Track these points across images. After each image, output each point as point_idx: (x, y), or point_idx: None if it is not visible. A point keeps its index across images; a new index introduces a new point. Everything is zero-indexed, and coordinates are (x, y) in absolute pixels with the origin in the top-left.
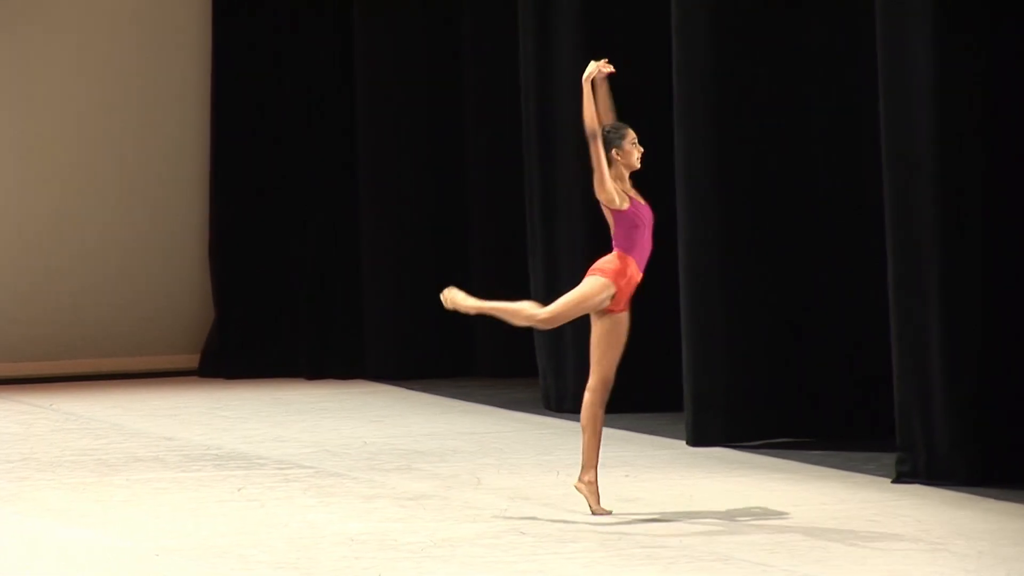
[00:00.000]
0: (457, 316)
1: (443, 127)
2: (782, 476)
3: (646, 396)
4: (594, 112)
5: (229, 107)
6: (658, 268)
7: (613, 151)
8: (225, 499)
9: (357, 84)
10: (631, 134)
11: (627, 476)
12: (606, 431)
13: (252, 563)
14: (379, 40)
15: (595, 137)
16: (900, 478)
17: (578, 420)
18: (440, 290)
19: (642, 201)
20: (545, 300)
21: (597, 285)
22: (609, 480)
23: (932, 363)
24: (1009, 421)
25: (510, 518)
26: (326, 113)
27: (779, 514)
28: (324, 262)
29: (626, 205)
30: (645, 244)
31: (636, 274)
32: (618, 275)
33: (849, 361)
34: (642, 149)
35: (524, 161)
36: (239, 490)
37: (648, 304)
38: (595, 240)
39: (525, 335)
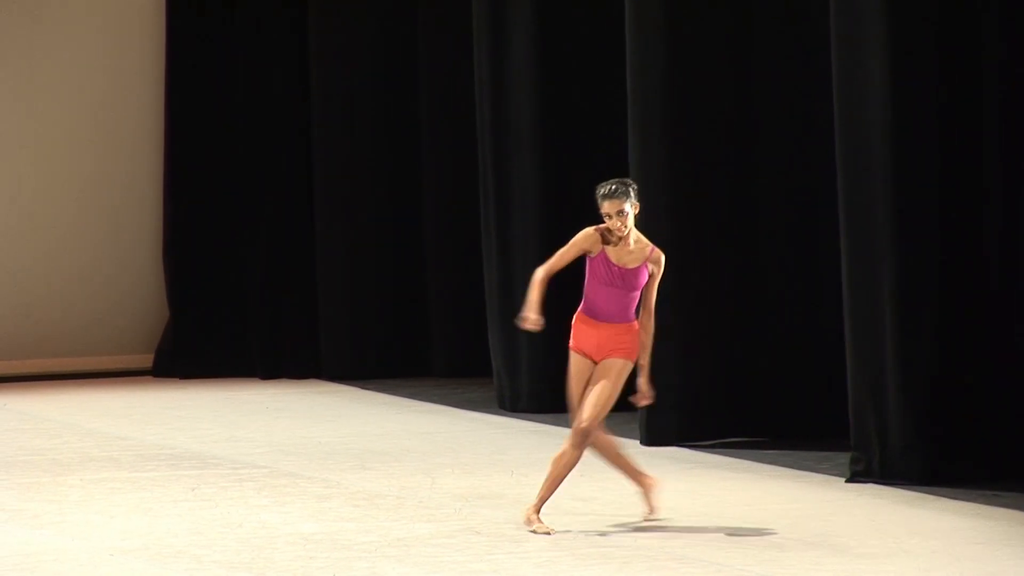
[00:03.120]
0: (411, 316)
1: (398, 127)
2: (736, 476)
3: None
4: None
5: (183, 109)
6: None
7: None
8: (179, 499)
9: (312, 85)
10: (604, 207)
11: (582, 476)
12: (565, 431)
13: (206, 563)
14: (334, 41)
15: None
16: (854, 477)
17: (532, 419)
18: (395, 290)
19: (622, 265)
20: (499, 298)
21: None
22: (565, 480)
23: (886, 363)
24: (962, 421)
25: (464, 518)
26: (280, 115)
27: (733, 514)
28: (278, 262)
29: (593, 253)
30: (595, 298)
31: (584, 324)
32: (572, 337)
33: (803, 362)
34: (617, 223)
35: (479, 160)
36: (193, 490)
37: None
38: (548, 237)
39: (479, 336)
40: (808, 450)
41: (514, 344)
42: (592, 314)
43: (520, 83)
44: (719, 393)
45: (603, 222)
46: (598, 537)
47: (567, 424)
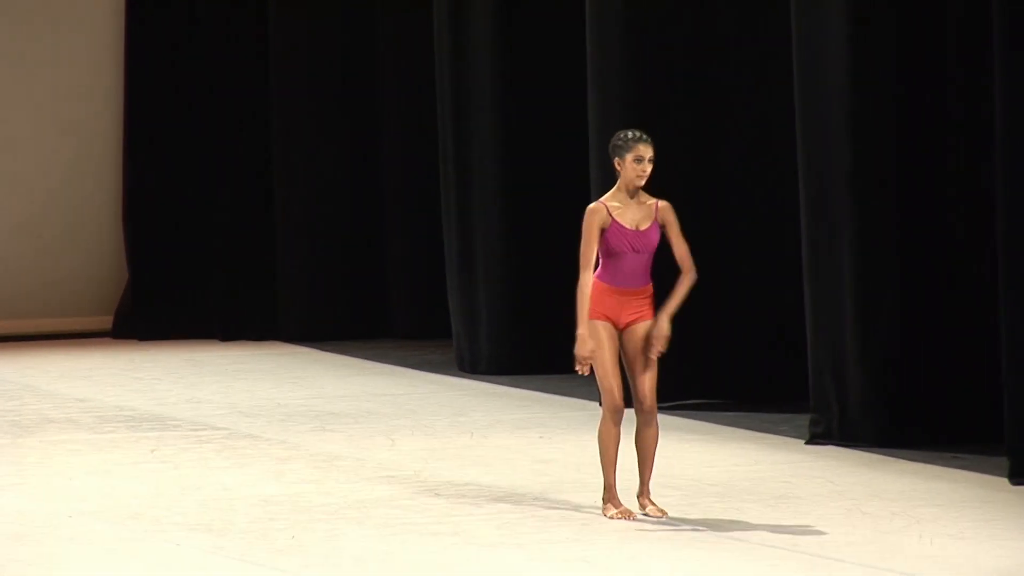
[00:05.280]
0: (370, 278)
1: (357, 90)
2: (696, 437)
3: (562, 359)
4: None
5: (143, 69)
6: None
7: (615, 160)
8: (139, 461)
9: (272, 49)
10: (638, 149)
11: (542, 437)
12: (524, 393)
13: (165, 525)
14: (296, 10)
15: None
16: (813, 439)
17: (493, 381)
18: (354, 251)
19: (637, 227)
20: (458, 263)
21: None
22: (525, 442)
23: (845, 325)
24: (921, 383)
25: (424, 479)
26: (241, 78)
27: (693, 475)
28: (237, 224)
29: (607, 226)
30: (616, 266)
31: (605, 293)
32: (592, 307)
33: (763, 323)
34: (646, 169)
35: (438, 122)
36: (152, 452)
37: (561, 266)
38: (508, 203)
39: (438, 297)
40: (768, 412)
41: (474, 307)
42: (613, 281)
43: (480, 52)
44: (678, 355)
45: (615, 174)
46: (559, 499)
47: (528, 386)
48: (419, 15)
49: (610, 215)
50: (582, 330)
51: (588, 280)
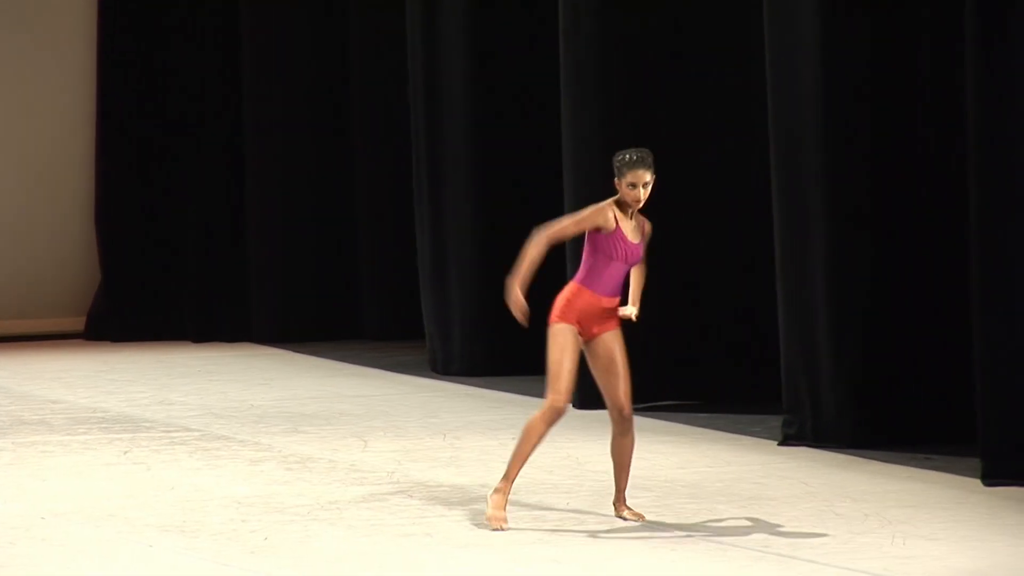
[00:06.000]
0: (343, 279)
1: (330, 90)
2: (669, 439)
3: (532, 360)
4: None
5: (116, 73)
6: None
7: (616, 179)
8: (111, 462)
9: (244, 52)
10: (634, 175)
11: (514, 439)
12: (497, 394)
13: (139, 526)
14: (265, 12)
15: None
16: (786, 440)
17: (465, 382)
18: (327, 253)
19: (635, 240)
20: (431, 263)
21: (552, 336)
22: (497, 443)
23: (818, 327)
24: (894, 385)
25: (397, 481)
26: (213, 78)
27: (666, 476)
28: (210, 226)
29: (608, 230)
30: (602, 273)
31: (585, 298)
32: (565, 311)
33: (736, 325)
34: (639, 195)
35: (411, 129)
36: (125, 453)
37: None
38: (480, 203)
39: (410, 298)
40: (740, 413)
41: (446, 309)
42: (598, 288)
43: (452, 52)
44: (652, 356)
45: (615, 192)
46: (530, 500)
47: (500, 387)
48: (391, 15)
49: (616, 222)
50: (511, 281)
51: (542, 242)
